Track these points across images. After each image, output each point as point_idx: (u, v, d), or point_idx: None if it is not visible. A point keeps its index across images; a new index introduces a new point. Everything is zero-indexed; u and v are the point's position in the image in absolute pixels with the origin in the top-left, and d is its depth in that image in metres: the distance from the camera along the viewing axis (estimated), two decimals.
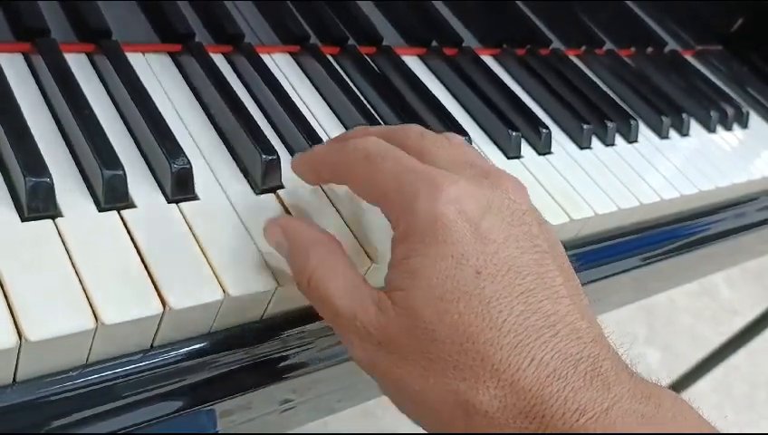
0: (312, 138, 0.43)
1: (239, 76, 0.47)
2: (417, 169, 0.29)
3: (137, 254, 0.32)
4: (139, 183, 0.35)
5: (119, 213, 0.33)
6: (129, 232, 0.32)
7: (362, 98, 0.49)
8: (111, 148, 0.35)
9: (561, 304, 0.27)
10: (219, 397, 0.33)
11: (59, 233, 0.31)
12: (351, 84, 0.50)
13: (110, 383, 0.30)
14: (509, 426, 0.26)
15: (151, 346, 0.31)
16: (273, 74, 0.47)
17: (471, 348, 0.26)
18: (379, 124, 0.46)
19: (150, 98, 0.39)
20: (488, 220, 0.28)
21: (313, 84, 0.50)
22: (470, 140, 0.50)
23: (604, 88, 0.66)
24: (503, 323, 0.26)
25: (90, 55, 0.42)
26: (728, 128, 0.71)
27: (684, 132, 0.66)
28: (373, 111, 0.48)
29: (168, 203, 0.35)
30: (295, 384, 0.37)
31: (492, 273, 0.27)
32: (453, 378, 0.26)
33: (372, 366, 0.29)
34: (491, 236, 0.28)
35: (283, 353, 0.35)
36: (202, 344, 0.33)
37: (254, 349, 0.34)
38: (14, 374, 0.28)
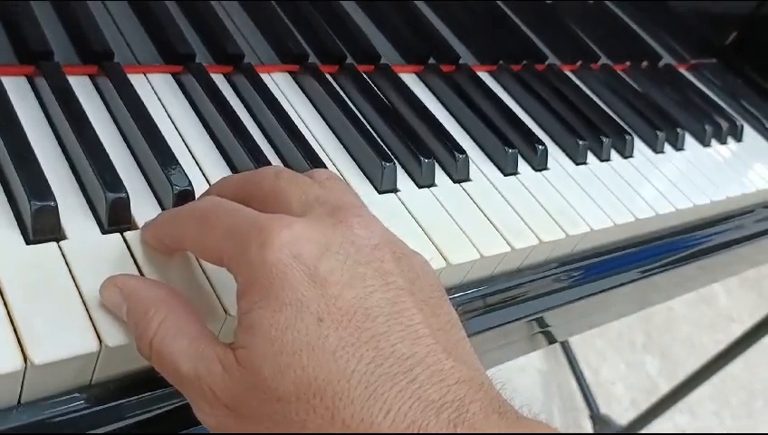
0: (311, 156, 0.43)
1: (239, 96, 0.48)
2: (248, 218, 0.27)
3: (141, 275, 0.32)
4: (142, 205, 0.36)
5: (122, 235, 0.34)
6: (132, 254, 0.33)
7: (360, 116, 0.50)
8: (114, 170, 0.35)
9: (419, 345, 0.25)
10: None
11: (63, 256, 0.31)
12: (350, 103, 0.51)
13: (115, 404, 0.30)
14: None
15: None
16: (272, 94, 0.47)
17: (319, 404, 0.24)
18: (377, 143, 0.47)
19: (152, 119, 0.40)
20: (327, 261, 0.26)
21: (312, 103, 0.50)
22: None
23: (599, 103, 0.67)
24: (352, 374, 0.24)
25: (93, 77, 0.43)
26: (722, 141, 0.72)
27: (678, 146, 0.67)
28: (371, 130, 0.48)
29: None
30: None
31: (336, 319, 0.25)
32: None
33: (224, 433, 0.27)
34: (332, 279, 0.26)
35: None
36: None
37: None
38: (20, 396, 0.28)
